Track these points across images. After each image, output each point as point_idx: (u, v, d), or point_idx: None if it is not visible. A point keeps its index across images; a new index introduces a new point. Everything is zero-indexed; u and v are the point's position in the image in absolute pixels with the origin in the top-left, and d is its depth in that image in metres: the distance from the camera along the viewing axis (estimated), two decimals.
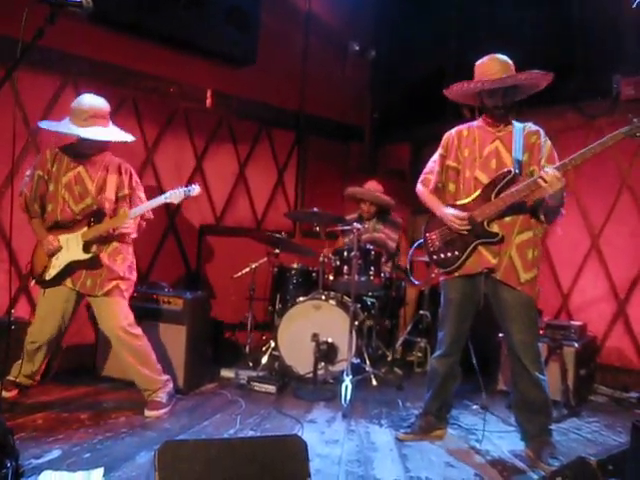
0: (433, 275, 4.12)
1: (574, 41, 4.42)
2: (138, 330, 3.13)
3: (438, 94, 2.85)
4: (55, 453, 2.50)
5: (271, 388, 3.64)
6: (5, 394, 3.02)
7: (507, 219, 2.68)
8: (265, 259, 4.36)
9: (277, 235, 4.17)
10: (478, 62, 2.76)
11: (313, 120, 5.52)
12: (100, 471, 2.29)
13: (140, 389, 3.15)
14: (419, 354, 4.44)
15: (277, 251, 4.21)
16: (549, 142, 2.74)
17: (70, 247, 3.04)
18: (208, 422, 3.05)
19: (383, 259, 4.13)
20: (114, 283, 3.07)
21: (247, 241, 4.56)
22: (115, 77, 4.11)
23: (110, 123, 3.09)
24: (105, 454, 2.53)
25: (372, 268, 3.98)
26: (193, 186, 3.07)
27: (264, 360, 4.06)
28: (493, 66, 2.68)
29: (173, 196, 3.02)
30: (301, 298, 4.02)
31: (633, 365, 4.05)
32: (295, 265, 4.33)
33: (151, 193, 3.25)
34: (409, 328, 4.51)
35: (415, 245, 4.20)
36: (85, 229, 3.04)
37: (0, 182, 3.64)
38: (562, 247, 4.45)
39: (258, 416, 3.18)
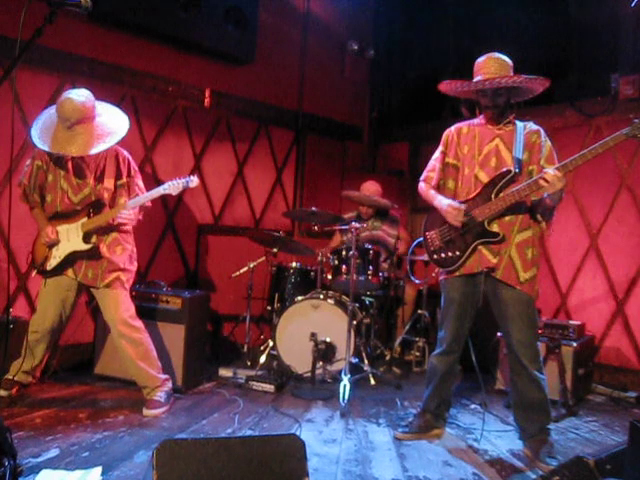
0: (433, 275, 4.12)
1: (572, 40, 4.42)
2: (139, 323, 3.14)
3: (437, 93, 2.85)
4: (53, 452, 2.50)
5: (269, 387, 3.64)
6: (3, 393, 3.02)
7: (507, 218, 2.68)
8: (263, 258, 4.35)
9: (275, 234, 4.17)
10: (477, 60, 2.76)
11: (312, 119, 5.52)
12: (98, 470, 2.30)
13: (139, 386, 3.15)
14: (417, 353, 4.44)
15: (275, 250, 4.20)
16: (549, 142, 2.73)
17: (70, 238, 3.04)
18: (206, 421, 3.05)
19: (381, 258, 4.13)
20: (115, 275, 3.07)
21: (245, 240, 4.55)
22: (113, 76, 4.10)
23: (96, 118, 2.94)
24: (103, 453, 2.53)
25: (370, 267, 3.99)
26: (192, 177, 3.06)
27: (262, 359, 4.06)
28: (490, 65, 2.68)
29: (172, 187, 3.02)
30: (299, 297, 4.02)
31: (631, 365, 4.06)
32: (293, 264, 4.33)
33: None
34: (407, 327, 4.52)
35: (415, 243, 4.20)
36: (85, 219, 3.04)
37: None
38: (561, 246, 4.46)
39: (256, 415, 3.18)
